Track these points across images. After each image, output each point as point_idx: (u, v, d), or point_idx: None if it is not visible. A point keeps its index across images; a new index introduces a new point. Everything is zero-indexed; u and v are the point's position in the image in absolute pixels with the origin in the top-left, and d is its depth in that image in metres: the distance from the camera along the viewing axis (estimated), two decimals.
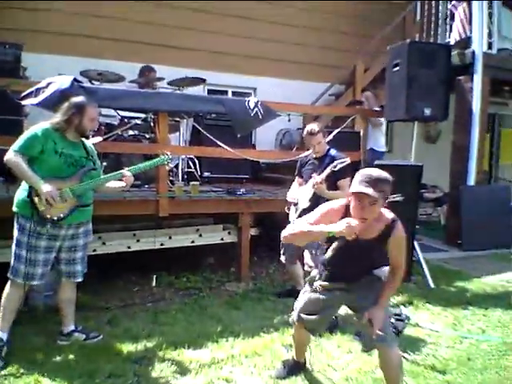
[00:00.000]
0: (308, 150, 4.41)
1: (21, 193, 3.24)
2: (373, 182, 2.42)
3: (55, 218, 3.20)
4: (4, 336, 3.22)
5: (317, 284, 2.85)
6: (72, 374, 3.05)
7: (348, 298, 2.82)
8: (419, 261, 5.31)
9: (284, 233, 2.65)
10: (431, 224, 7.81)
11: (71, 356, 3.30)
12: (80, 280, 3.52)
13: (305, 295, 2.92)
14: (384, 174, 2.50)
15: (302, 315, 2.90)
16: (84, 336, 3.55)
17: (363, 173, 2.51)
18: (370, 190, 2.40)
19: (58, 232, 3.29)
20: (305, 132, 4.21)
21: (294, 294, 4.23)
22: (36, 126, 3.26)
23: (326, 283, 2.82)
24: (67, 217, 3.25)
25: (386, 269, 2.72)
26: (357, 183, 2.48)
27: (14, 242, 3.27)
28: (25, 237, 3.20)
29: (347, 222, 2.44)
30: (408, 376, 3.15)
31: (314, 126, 4.17)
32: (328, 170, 3.92)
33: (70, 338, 3.51)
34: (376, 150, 6.48)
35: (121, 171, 3.46)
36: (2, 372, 3.04)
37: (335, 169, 3.89)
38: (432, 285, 5.08)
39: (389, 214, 2.62)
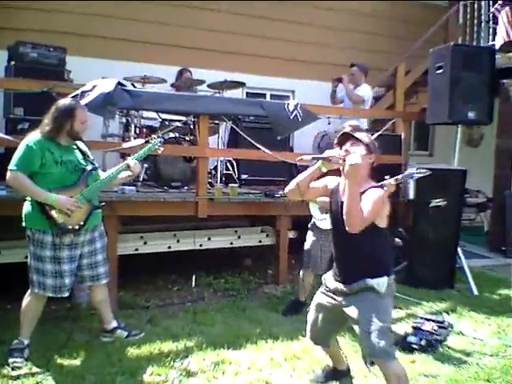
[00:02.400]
0: None
1: (29, 208, 3.15)
2: (359, 131, 2.78)
3: (77, 227, 3.18)
4: (25, 341, 3.23)
5: (323, 279, 2.85)
6: (114, 371, 3.10)
7: (346, 306, 2.67)
8: (463, 268, 5.18)
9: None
10: (474, 230, 7.59)
11: (113, 353, 3.36)
12: (105, 281, 3.51)
13: (312, 306, 2.90)
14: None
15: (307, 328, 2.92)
16: (126, 333, 3.60)
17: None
18: (352, 131, 2.72)
19: (78, 239, 3.27)
20: (348, 128, 4.05)
21: (299, 307, 4.23)
22: (26, 138, 3.13)
23: (330, 278, 2.78)
24: (86, 223, 3.24)
25: (381, 280, 2.58)
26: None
27: (32, 256, 3.19)
28: (46, 251, 3.16)
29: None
30: None
31: (356, 123, 4.09)
32: (401, 178, 3.79)
33: (112, 334, 3.58)
34: None
35: (126, 162, 3.38)
36: (46, 367, 3.12)
37: (412, 178, 3.74)
38: (475, 292, 4.95)
39: (373, 184, 2.64)
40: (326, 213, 4.03)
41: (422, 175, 3.86)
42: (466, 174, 5.29)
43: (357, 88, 6.11)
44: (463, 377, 3.21)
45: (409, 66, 7.07)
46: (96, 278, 3.44)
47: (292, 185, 2.82)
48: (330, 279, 2.80)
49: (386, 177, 3.92)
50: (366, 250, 2.61)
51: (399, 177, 3.90)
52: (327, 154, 2.66)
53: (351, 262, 2.67)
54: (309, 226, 4.22)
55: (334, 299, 2.73)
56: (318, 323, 2.85)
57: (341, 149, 2.70)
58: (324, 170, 2.71)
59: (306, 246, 4.17)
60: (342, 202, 2.58)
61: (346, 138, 2.71)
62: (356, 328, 2.60)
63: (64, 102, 3.26)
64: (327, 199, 2.86)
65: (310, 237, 4.18)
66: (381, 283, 2.58)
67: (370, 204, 2.49)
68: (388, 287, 2.60)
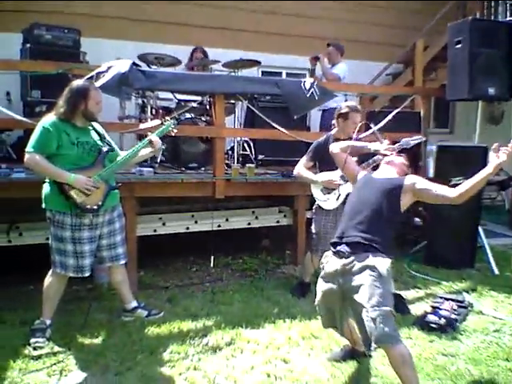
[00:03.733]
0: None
1: (48, 189, 3.18)
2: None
3: (95, 207, 3.20)
4: (48, 321, 3.29)
5: (323, 260, 2.86)
6: (134, 350, 3.16)
7: (348, 288, 2.64)
8: (483, 246, 5.12)
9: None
10: (495, 208, 7.49)
11: (134, 332, 3.42)
12: (124, 262, 3.55)
13: (317, 296, 2.90)
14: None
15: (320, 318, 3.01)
16: (146, 312, 3.66)
17: None
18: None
19: (97, 220, 3.30)
20: (345, 109, 3.97)
21: (305, 288, 4.27)
22: (42, 120, 3.15)
23: (329, 259, 2.77)
24: (104, 203, 3.26)
25: (384, 260, 2.57)
26: None
27: (53, 237, 3.24)
28: (67, 231, 3.19)
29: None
30: (470, 364, 3.09)
31: (354, 103, 4.04)
32: (398, 147, 3.76)
33: (133, 314, 3.64)
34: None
35: (148, 138, 3.40)
36: (68, 346, 3.18)
37: (408, 147, 3.73)
38: (496, 271, 4.90)
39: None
40: (329, 193, 4.02)
41: (417, 141, 3.87)
42: (487, 150, 5.17)
43: (334, 67, 6.14)
44: (482, 356, 3.20)
45: (427, 41, 6.91)
46: (115, 258, 3.48)
47: (344, 144, 3.18)
48: (329, 261, 2.77)
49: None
50: (385, 217, 2.71)
51: (395, 146, 3.89)
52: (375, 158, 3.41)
53: (365, 222, 2.71)
54: (313, 208, 4.20)
55: (335, 283, 2.70)
56: (328, 311, 2.87)
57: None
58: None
59: (313, 228, 4.16)
60: (378, 178, 2.96)
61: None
62: (359, 311, 2.56)
63: (77, 83, 3.27)
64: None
65: (315, 219, 4.16)
66: (385, 265, 2.56)
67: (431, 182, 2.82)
68: (389, 269, 2.58)
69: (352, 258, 2.63)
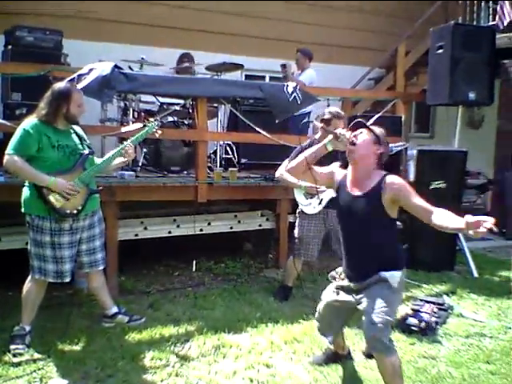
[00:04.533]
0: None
1: (28, 193, 3.14)
2: (372, 123, 2.81)
3: (75, 212, 3.17)
4: (27, 327, 3.23)
5: (334, 274, 2.84)
6: (115, 356, 3.12)
7: (357, 298, 2.67)
8: (463, 249, 5.19)
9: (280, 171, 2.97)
10: (475, 211, 7.53)
11: (115, 338, 3.38)
12: (102, 267, 3.51)
13: (324, 297, 2.87)
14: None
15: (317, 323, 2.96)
16: (127, 318, 3.62)
17: None
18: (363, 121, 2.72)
19: (77, 224, 3.25)
20: (328, 115, 3.95)
21: (287, 292, 4.30)
22: (24, 123, 3.10)
23: (342, 274, 2.77)
24: (84, 207, 3.22)
25: (395, 273, 2.56)
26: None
27: (32, 242, 3.19)
28: (46, 236, 3.14)
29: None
30: (451, 366, 3.12)
31: (338, 109, 4.06)
32: None
33: (113, 320, 3.59)
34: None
35: (122, 146, 3.34)
36: (48, 353, 3.13)
37: (391, 152, 3.76)
38: (476, 274, 4.98)
39: (384, 172, 2.64)
40: (311, 197, 4.04)
41: (399, 148, 3.91)
42: (466, 155, 5.26)
43: (302, 73, 6.22)
44: (463, 358, 3.24)
45: (409, 46, 6.99)
46: (94, 263, 3.43)
47: (299, 159, 2.81)
48: (337, 276, 2.80)
49: None
50: (378, 241, 2.58)
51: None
52: (338, 131, 2.71)
53: (363, 256, 2.63)
54: (296, 212, 4.21)
55: (346, 297, 2.72)
56: (329, 319, 2.85)
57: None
58: (330, 148, 2.72)
59: (296, 232, 4.17)
60: (354, 197, 2.62)
61: (358, 126, 2.70)
62: (363, 318, 2.57)
63: (59, 85, 3.23)
64: (316, 185, 2.92)
65: (298, 223, 4.18)
66: (395, 276, 2.56)
67: (419, 198, 2.53)
68: (400, 282, 2.59)
69: (365, 282, 2.63)
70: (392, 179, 2.57)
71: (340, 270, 2.82)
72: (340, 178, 2.78)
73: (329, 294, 2.82)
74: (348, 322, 3.04)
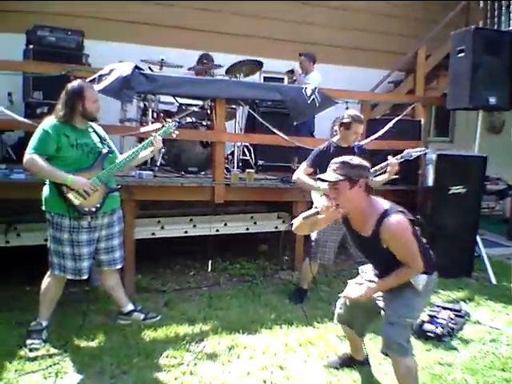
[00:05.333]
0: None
1: (48, 191, 3.19)
2: (335, 166, 2.50)
3: (93, 209, 3.20)
4: (44, 323, 3.29)
5: (361, 270, 2.86)
6: (130, 353, 3.16)
7: (380, 298, 2.70)
8: (481, 256, 5.12)
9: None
10: (494, 218, 7.48)
11: (130, 335, 3.41)
12: (120, 266, 3.55)
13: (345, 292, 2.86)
14: (352, 159, 2.52)
15: (336, 311, 2.95)
16: (143, 316, 3.65)
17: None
18: (327, 175, 2.50)
19: (96, 223, 3.29)
20: (348, 119, 3.93)
21: (302, 294, 4.29)
22: (43, 123, 3.16)
23: (369, 270, 2.80)
24: (103, 205, 3.26)
25: (421, 277, 2.54)
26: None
27: (51, 239, 3.25)
28: (65, 234, 3.19)
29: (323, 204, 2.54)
30: (467, 373, 3.09)
31: (358, 113, 4.04)
32: (400, 158, 3.79)
33: (129, 317, 3.63)
34: None
35: (140, 146, 3.39)
36: (64, 348, 3.18)
37: (410, 158, 3.76)
38: (494, 281, 4.90)
39: (382, 206, 2.49)
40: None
41: (420, 153, 3.89)
42: (486, 160, 5.19)
43: (307, 76, 6.21)
44: (478, 366, 3.20)
45: (430, 49, 6.93)
46: (113, 262, 3.47)
47: (295, 226, 2.71)
48: (368, 271, 2.79)
49: (389, 157, 3.93)
50: (397, 264, 2.51)
51: (398, 156, 3.91)
52: (317, 207, 2.58)
53: (385, 270, 2.60)
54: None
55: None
56: (348, 307, 2.84)
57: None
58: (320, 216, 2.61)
59: (312, 235, 4.15)
60: (360, 236, 2.58)
61: (324, 182, 2.55)
62: (384, 317, 2.59)
63: (72, 84, 3.27)
64: None
65: None
66: (420, 280, 2.54)
67: (408, 252, 2.46)
68: (426, 285, 2.56)
69: None
70: (387, 225, 2.42)
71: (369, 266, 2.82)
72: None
73: (355, 282, 2.81)
74: (368, 327, 3.01)
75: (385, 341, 2.51)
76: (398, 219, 2.43)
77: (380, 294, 2.68)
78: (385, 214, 2.45)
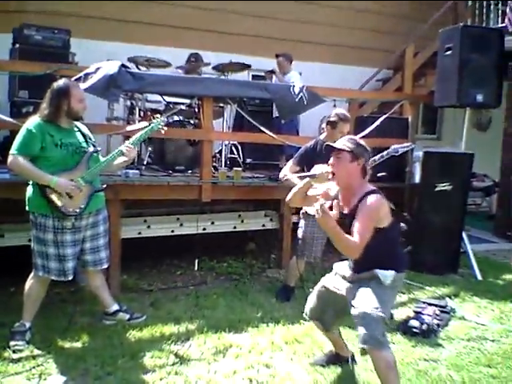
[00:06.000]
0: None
1: (31, 191, 3.17)
2: (345, 139, 2.73)
3: (77, 211, 3.17)
4: (27, 324, 3.25)
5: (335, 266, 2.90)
6: (115, 354, 3.13)
7: (349, 291, 2.71)
8: (467, 252, 5.16)
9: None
10: (480, 214, 7.55)
11: (115, 336, 3.39)
12: (106, 266, 3.53)
13: (317, 287, 2.96)
14: (360, 140, 2.75)
15: (306, 306, 3.00)
16: (128, 316, 3.63)
17: None
18: (336, 143, 2.71)
19: (81, 223, 3.26)
20: (334, 117, 3.95)
21: (289, 292, 4.31)
22: (27, 122, 3.13)
23: (343, 265, 2.83)
24: (87, 206, 3.23)
25: (388, 272, 2.59)
26: None
27: (35, 240, 3.21)
28: (49, 234, 3.16)
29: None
30: (452, 369, 3.10)
31: (345, 112, 4.04)
32: (386, 154, 3.79)
33: (114, 317, 3.60)
34: None
35: (123, 145, 3.33)
36: (48, 350, 3.16)
37: (396, 154, 3.76)
38: (479, 277, 4.95)
39: (371, 188, 2.64)
40: None
41: (405, 149, 3.91)
42: (472, 157, 5.23)
43: (286, 75, 6.22)
44: (464, 361, 3.22)
45: (417, 47, 6.97)
46: (98, 262, 3.45)
47: (290, 196, 2.91)
48: (342, 267, 2.83)
49: (375, 157, 3.94)
50: (373, 252, 2.53)
51: (384, 153, 3.93)
52: (314, 171, 2.75)
53: (361, 260, 2.59)
54: (300, 213, 4.20)
55: (341, 285, 2.77)
56: (319, 302, 2.90)
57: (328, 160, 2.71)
58: (314, 185, 2.78)
59: (299, 233, 4.16)
60: (343, 214, 2.67)
61: (329, 151, 2.71)
62: (353, 312, 2.58)
63: (58, 83, 3.23)
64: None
65: (302, 224, 4.17)
66: (387, 275, 2.59)
67: (362, 226, 2.49)
68: (393, 281, 2.61)
69: (359, 275, 2.70)
70: (367, 200, 2.55)
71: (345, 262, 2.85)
72: (335, 192, 2.80)
73: (325, 279, 2.90)
74: (342, 322, 3.04)
75: (360, 335, 2.51)
76: (380, 199, 2.57)
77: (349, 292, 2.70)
78: (370, 192, 2.60)
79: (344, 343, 3.11)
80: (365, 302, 2.54)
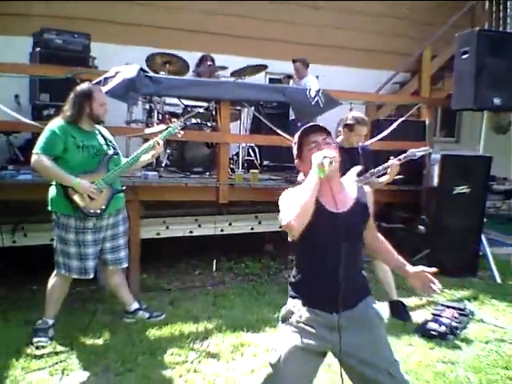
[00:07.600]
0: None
1: (54, 192, 3.24)
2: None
3: (98, 211, 3.24)
4: (50, 321, 3.33)
5: (294, 317, 2.05)
6: (135, 351, 3.19)
7: (334, 340, 1.93)
8: (486, 255, 5.11)
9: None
10: (499, 217, 7.46)
11: (135, 334, 3.45)
12: (125, 265, 3.59)
13: (281, 346, 2.00)
14: None
15: None
16: (148, 314, 3.69)
17: None
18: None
19: (101, 223, 3.33)
20: (351, 121, 3.83)
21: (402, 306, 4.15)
22: (50, 124, 3.21)
23: (306, 313, 2.01)
24: (108, 207, 3.30)
25: (383, 304, 2.41)
26: None
27: (57, 239, 3.29)
28: (71, 234, 3.24)
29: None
30: (470, 371, 3.08)
31: (362, 115, 4.03)
32: (404, 158, 3.79)
33: (134, 315, 3.66)
34: None
35: (145, 147, 3.41)
36: (70, 346, 3.23)
37: (414, 157, 3.76)
38: (498, 280, 4.90)
39: (349, 179, 2.43)
40: None
41: (423, 153, 3.88)
42: (490, 160, 5.18)
43: (302, 80, 6.26)
44: (482, 364, 3.20)
45: (435, 50, 6.94)
46: (118, 261, 3.52)
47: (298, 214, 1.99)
48: (306, 311, 2.02)
49: (391, 157, 3.94)
50: (360, 258, 2.10)
51: (402, 156, 3.92)
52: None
53: (350, 275, 1.98)
54: None
55: (320, 337, 1.97)
56: (290, 375, 1.96)
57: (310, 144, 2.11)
58: (322, 176, 2.03)
59: None
60: (339, 213, 2.02)
61: (317, 131, 2.12)
62: (362, 370, 1.93)
63: (81, 86, 3.32)
64: None
65: None
66: (383, 307, 2.45)
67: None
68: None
69: (347, 311, 1.96)
70: (365, 187, 2.18)
71: (295, 305, 2.08)
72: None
73: (289, 340, 1.98)
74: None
75: None
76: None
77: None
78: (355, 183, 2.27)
79: None
80: (382, 354, 1.95)
